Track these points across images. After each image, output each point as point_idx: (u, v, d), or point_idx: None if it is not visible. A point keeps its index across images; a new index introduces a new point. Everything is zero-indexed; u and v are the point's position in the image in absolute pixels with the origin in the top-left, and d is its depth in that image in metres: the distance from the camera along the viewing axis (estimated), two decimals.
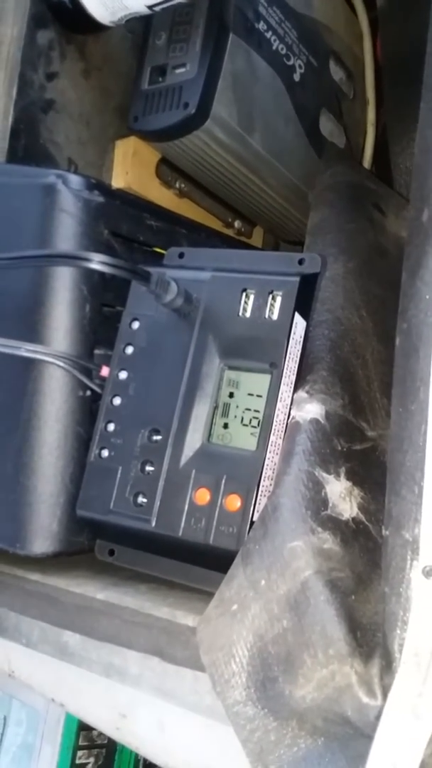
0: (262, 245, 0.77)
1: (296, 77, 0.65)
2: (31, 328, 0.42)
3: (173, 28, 0.58)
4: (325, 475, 0.36)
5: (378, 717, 0.27)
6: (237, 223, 0.73)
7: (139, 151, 0.61)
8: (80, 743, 0.59)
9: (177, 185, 0.64)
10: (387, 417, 0.43)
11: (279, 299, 0.40)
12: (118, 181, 0.61)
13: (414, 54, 0.70)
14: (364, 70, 0.76)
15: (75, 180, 0.42)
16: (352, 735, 0.29)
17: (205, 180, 0.65)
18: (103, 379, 0.42)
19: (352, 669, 0.29)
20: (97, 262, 0.34)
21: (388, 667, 0.28)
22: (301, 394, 0.39)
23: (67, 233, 0.42)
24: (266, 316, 0.40)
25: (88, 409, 0.43)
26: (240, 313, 0.40)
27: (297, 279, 0.40)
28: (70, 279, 0.42)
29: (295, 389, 0.39)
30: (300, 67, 0.65)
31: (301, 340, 0.41)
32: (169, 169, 0.63)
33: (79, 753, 0.59)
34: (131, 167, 0.61)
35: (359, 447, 0.40)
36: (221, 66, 0.56)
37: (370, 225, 0.55)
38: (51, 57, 0.58)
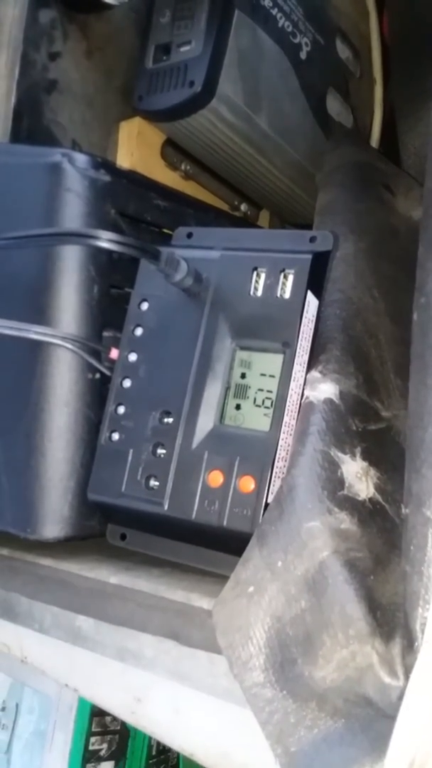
0: (269, 228, 0.76)
1: (303, 55, 0.63)
2: (39, 311, 0.41)
3: (177, 5, 0.57)
4: (340, 455, 0.35)
5: (400, 697, 0.27)
6: (243, 206, 0.72)
7: (144, 132, 0.61)
8: (93, 729, 0.59)
9: (182, 167, 0.64)
10: (401, 397, 0.43)
11: (291, 277, 0.39)
12: (122, 163, 0.60)
13: (421, 31, 0.68)
14: (371, 48, 0.75)
15: (81, 159, 0.41)
16: (374, 716, 0.28)
17: (211, 161, 0.64)
18: (113, 361, 0.42)
19: (373, 649, 0.28)
20: (106, 240, 0.33)
21: (409, 647, 0.27)
22: (315, 374, 0.38)
23: (73, 213, 0.41)
24: (278, 294, 0.39)
25: (97, 392, 0.42)
26: (251, 292, 0.39)
27: (309, 257, 0.39)
28: (77, 260, 0.41)
29: (308, 369, 0.39)
30: (306, 45, 0.64)
31: (314, 319, 0.40)
32: (174, 151, 0.63)
33: (92, 739, 0.58)
34: (136, 149, 0.60)
35: (374, 427, 0.39)
36: (227, 43, 0.55)
37: (380, 205, 0.54)
38: (53, 36, 0.57)
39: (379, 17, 0.75)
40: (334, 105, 0.69)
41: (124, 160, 0.60)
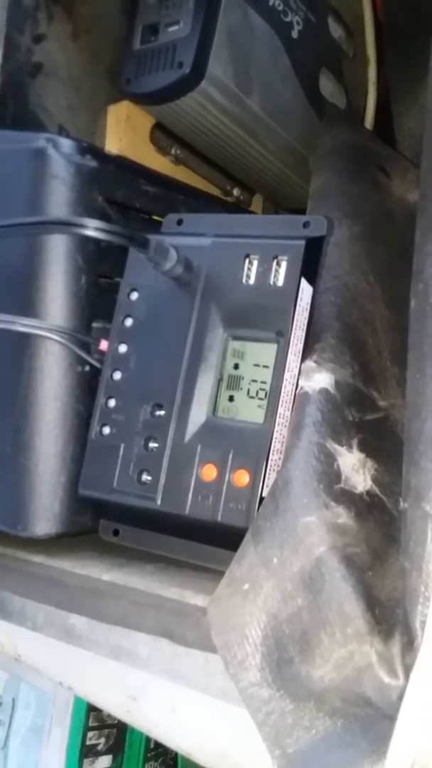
0: (262, 213, 0.74)
1: (294, 34, 0.62)
2: (25, 302, 0.40)
3: None
4: (336, 446, 0.34)
5: (400, 697, 0.26)
6: (236, 191, 0.70)
7: (133, 116, 0.59)
8: (90, 724, 0.58)
9: (173, 152, 0.62)
10: (398, 386, 0.42)
11: (284, 264, 0.38)
12: (111, 149, 0.58)
13: (414, 9, 0.67)
14: (364, 27, 0.73)
15: (66, 144, 0.40)
16: (374, 716, 0.28)
17: (202, 145, 0.63)
18: (102, 353, 0.41)
19: (372, 648, 0.27)
20: (93, 228, 0.32)
21: (409, 645, 0.27)
22: (309, 363, 0.37)
23: (59, 200, 0.39)
24: (271, 282, 0.38)
25: (87, 385, 0.41)
26: (243, 280, 0.38)
27: (303, 242, 0.38)
28: (63, 249, 0.39)
29: (303, 359, 0.38)
30: (298, 23, 0.62)
31: (308, 306, 0.39)
32: (164, 135, 0.61)
33: (90, 734, 0.58)
34: (124, 133, 0.59)
35: (371, 417, 0.38)
36: (216, 22, 0.53)
37: (375, 188, 0.53)
38: (38, 18, 0.56)
39: None
40: (327, 85, 0.68)
41: (112, 145, 0.59)
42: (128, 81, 0.56)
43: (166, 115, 0.58)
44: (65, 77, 0.57)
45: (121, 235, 0.33)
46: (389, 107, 0.71)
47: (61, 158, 0.39)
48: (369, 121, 0.73)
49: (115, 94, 0.59)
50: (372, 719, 0.28)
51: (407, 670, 0.26)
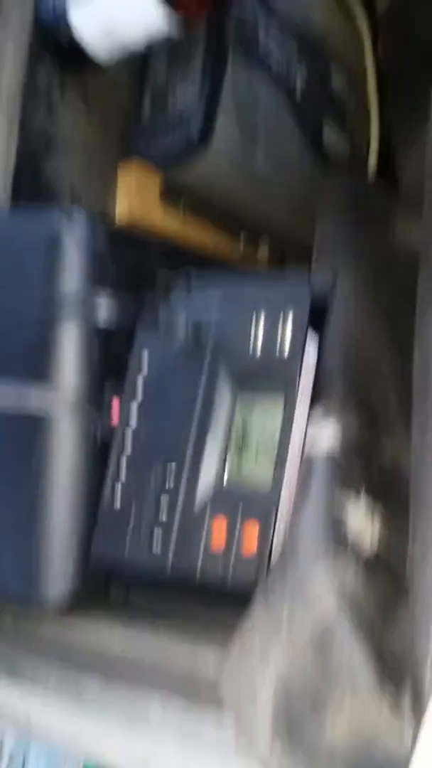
0: (269, 257, 0.75)
1: (298, 93, 0.63)
2: (37, 368, 0.41)
3: (173, 55, 0.57)
4: (345, 504, 0.35)
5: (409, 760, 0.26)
6: (244, 241, 0.71)
7: (142, 178, 0.61)
8: None
9: (182, 208, 0.64)
10: (406, 441, 0.42)
11: (290, 324, 0.39)
12: (121, 208, 0.60)
13: (419, 57, 0.68)
14: (366, 75, 0.74)
15: (79, 220, 0.42)
16: None
17: (210, 202, 0.64)
18: (113, 416, 0.41)
19: (380, 712, 0.27)
20: (104, 322, 0.34)
21: (417, 699, 0.27)
22: (317, 418, 0.38)
23: (72, 276, 0.41)
24: (278, 342, 0.39)
25: (98, 453, 0.42)
26: (251, 342, 0.39)
27: (308, 302, 0.39)
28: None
29: (310, 413, 0.38)
30: (302, 81, 0.64)
31: (314, 364, 0.39)
32: (173, 194, 0.63)
33: None
34: (135, 195, 0.61)
35: (379, 473, 0.38)
36: (221, 90, 0.55)
37: (378, 237, 0.54)
38: (51, 92, 0.58)
39: (373, 45, 0.74)
40: (330, 138, 0.69)
41: (122, 204, 0.60)
42: (137, 147, 0.58)
43: (175, 178, 0.60)
44: (78, 146, 0.59)
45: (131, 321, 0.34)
46: (392, 158, 0.73)
47: (73, 239, 0.41)
48: (372, 167, 0.74)
49: (126, 158, 0.61)
50: None
51: (415, 734, 0.26)
